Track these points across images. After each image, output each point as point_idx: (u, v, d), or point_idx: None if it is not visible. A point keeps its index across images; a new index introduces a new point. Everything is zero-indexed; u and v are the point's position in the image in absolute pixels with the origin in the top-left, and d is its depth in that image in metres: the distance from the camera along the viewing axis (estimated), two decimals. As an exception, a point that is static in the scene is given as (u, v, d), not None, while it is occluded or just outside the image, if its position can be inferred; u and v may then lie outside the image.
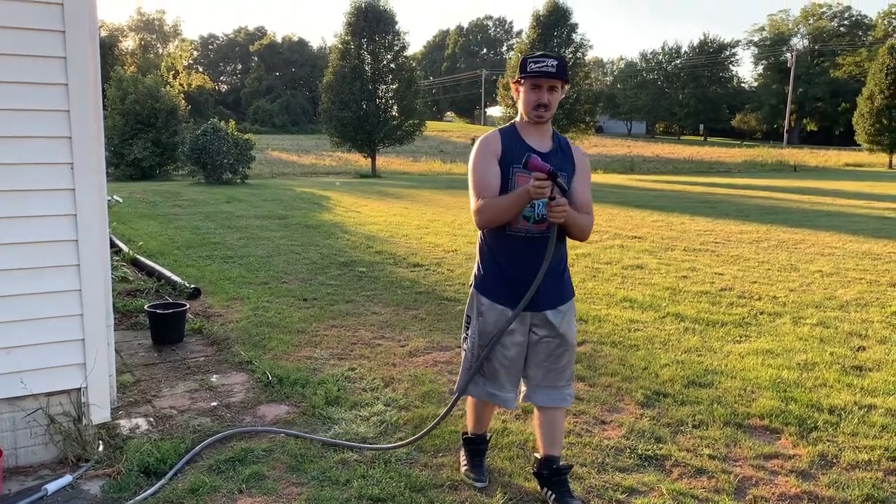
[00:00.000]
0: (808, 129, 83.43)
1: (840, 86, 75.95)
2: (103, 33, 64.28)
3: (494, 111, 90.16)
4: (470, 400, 3.41)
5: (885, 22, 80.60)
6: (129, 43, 76.24)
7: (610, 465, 3.63)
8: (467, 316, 3.25)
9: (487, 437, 3.58)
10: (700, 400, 4.52)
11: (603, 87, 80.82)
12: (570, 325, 3.21)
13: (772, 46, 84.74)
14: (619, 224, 13.44)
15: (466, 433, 3.53)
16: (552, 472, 3.24)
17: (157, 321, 5.59)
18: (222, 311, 6.55)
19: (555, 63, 2.95)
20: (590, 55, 42.63)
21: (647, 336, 5.95)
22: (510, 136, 3.09)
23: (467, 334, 3.24)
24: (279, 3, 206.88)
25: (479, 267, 3.20)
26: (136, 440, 3.75)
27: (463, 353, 3.30)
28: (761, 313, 6.76)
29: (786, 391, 4.68)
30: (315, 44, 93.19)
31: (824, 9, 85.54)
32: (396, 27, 34.88)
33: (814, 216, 15.52)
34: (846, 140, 64.82)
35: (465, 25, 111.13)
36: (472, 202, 3.05)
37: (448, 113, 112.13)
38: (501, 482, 3.44)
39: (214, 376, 4.87)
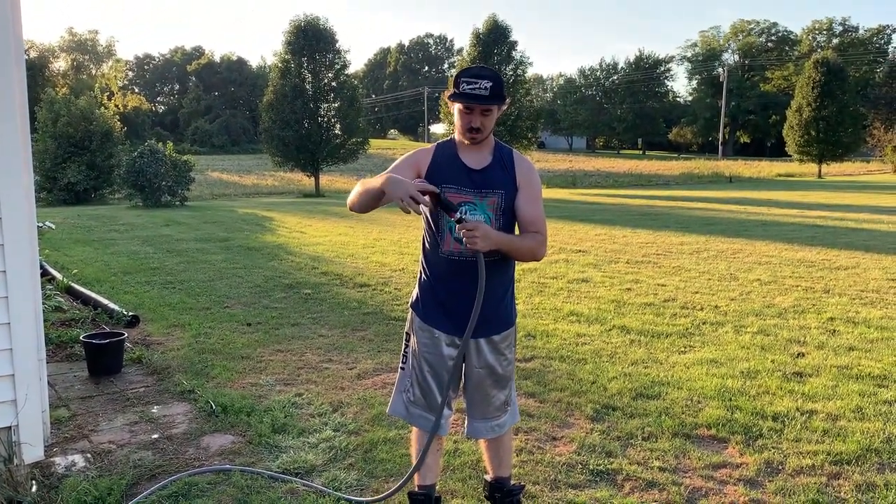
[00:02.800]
0: (742, 141, 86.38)
1: (770, 99, 78.96)
2: (32, 54, 62.56)
3: (438, 128, 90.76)
4: (413, 437, 3.19)
5: (810, 37, 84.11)
6: (60, 64, 74.27)
7: (562, 482, 3.62)
8: (406, 334, 3.12)
9: (435, 497, 3.18)
10: (648, 412, 4.56)
11: (543, 103, 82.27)
12: (505, 357, 3.00)
13: (704, 62, 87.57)
14: (563, 238, 13.59)
15: (413, 490, 3.17)
16: (504, 495, 3.19)
17: (94, 352, 5.39)
18: (162, 339, 6.36)
19: (489, 85, 2.70)
20: (529, 72, 43.15)
21: (594, 349, 5.99)
22: (445, 152, 2.93)
23: (406, 352, 3.10)
24: (217, 23, 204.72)
25: (416, 286, 3.11)
26: (73, 478, 3.58)
27: (399, 371, 3.13)
28: (704, 323, 6.89)
29: (731, 400, 4.76)
30: (254, 62, 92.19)
31: (752, 25, 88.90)
32: (337, 45, 34.89)
33: (750, 226, 15.97)
34: (778, 151, 67.31)
35: (406, 43, 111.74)
36: None
37: (391, 131, 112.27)
38: (454, 505, 3.39)
39: (155, 407, 4.70)
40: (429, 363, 2.98)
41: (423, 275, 3.05)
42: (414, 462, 3.11)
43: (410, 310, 3.09)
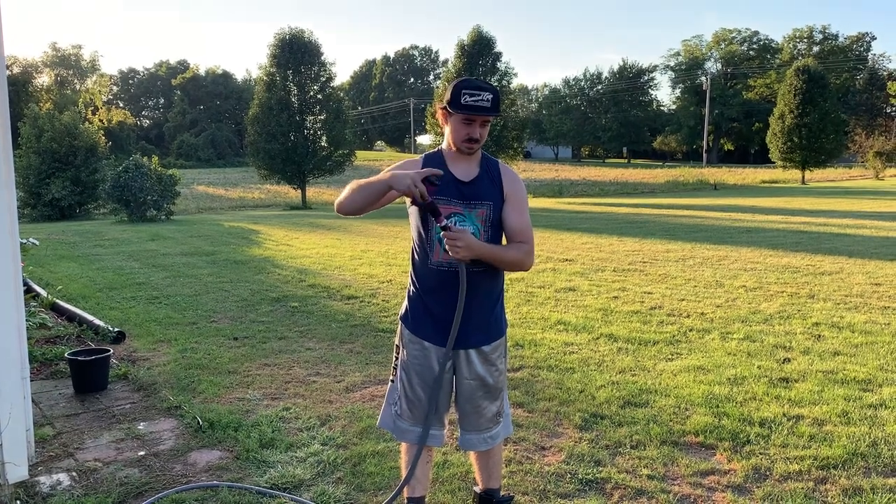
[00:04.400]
0: (726, 148, 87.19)
1: (753, 106, 79.78)
2: (16, 70, 62.24)
3: (424, 139, 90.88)
4: (402, 449, 3.18)
5: (791, 45, 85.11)
6: (44, 79, 73.83)
7: (552, 492, 3.62)
8: (396, 346, 3.12)
9: None
10: (636, 420, 4.57)
11: (529, 113, 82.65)
12: (496, 367, 3.01)
13: (687, 71, 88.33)
14: (550, 247, 13.63)
15: (403, 503, 3.20)
16: (493, 506, 3.19)
17: (79, 369, 5.33)
18: (149, 355, 6.32)
19: (490, 97, 2.77)
20: (514, 83, 43.35)
21: (582, 358, 6.00)
22: (433, 164, 2.92)
23: (396, 365, 3.10)
24: (201, 36, 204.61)
25: (406, 298, 3.10)
26: (58, 498, 3.54)
27: (389, 384, 3.14)
28: (690, 330, 6.92)
29: (718, 406, 4.78)
30: (240, 76, 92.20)
31: (734, 34, 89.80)
32: (322, 58, 34.97)
33: (735, 233, 16.08)
34: (761, 158, 67.95)
35: (391, 55, 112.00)
36: None
37: (378, 142, 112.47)
38: (444, 517, 3.38)
39: (142, 424, 4.67)
40: (419, 375, 2.98)
41: (412, 287, 3.04)
42: (404, 475, 3.10)
43: (400, 322, 3.08)
